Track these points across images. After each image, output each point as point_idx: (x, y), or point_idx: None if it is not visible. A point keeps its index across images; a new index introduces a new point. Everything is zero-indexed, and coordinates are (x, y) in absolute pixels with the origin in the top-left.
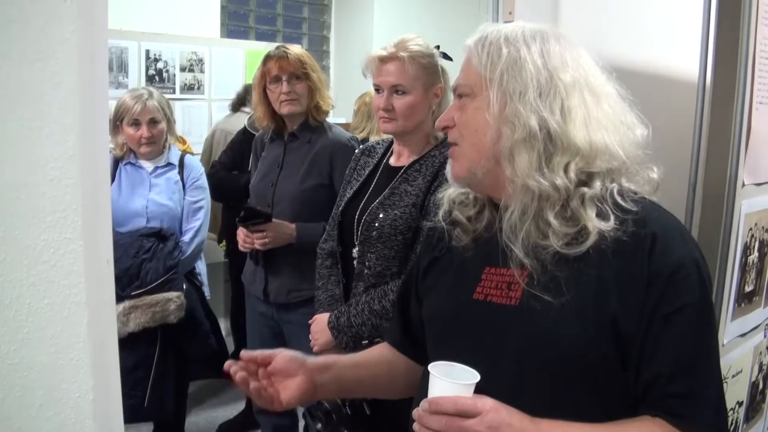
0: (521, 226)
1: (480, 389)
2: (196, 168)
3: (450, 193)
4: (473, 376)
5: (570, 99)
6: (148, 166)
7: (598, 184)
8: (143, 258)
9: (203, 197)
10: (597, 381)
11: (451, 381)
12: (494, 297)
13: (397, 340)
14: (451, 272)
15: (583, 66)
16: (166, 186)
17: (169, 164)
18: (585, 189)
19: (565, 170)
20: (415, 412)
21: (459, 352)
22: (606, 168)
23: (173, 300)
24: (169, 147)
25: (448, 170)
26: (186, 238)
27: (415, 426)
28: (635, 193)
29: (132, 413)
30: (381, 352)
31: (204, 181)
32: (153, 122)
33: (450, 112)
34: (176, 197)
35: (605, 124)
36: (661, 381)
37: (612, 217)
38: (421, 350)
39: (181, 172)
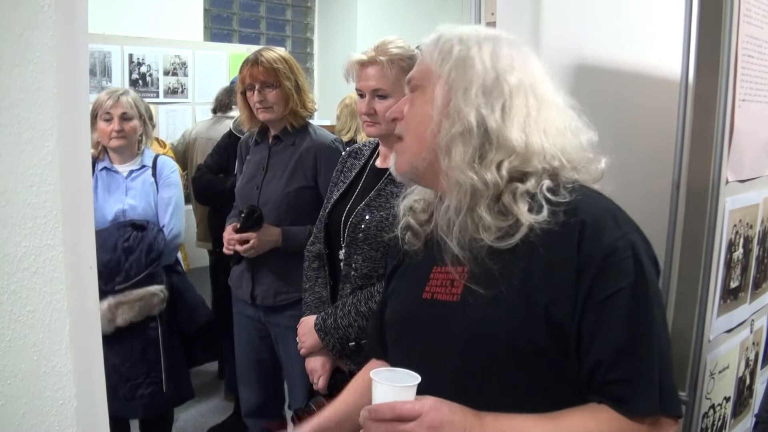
0: (455, 220)
1: (428, 387)
2: (168, 166)
3: (406, 202)
4: (414, 378)
5: (513, 100)
6: (123, 170)
7: (532, 181)
8: (123, 247)
9: (174, 192)
10: (537, 371)
11: (390, 384)
12: (439, 295)
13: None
14: (407, 276)
15: (532, 72)
16: (141, 189)
17: (143, 167)
18: (518, 185)
19: (498, 167)
20: (360, 419)
21: (411, 352)
22: (542, 167)
23: (157, 294)
24: (143, 150)
25: (392, 165)
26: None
27: None
28: (573, 182)
29: (153, 401)
30: (356, 390)
31: (176, 177)
32: (125, 117)
33: (401, 104)
34: (152, 199)
35: (545, 129)
36: (602, 367)
37: (545, 210)
38: None
39: (154, 174)
